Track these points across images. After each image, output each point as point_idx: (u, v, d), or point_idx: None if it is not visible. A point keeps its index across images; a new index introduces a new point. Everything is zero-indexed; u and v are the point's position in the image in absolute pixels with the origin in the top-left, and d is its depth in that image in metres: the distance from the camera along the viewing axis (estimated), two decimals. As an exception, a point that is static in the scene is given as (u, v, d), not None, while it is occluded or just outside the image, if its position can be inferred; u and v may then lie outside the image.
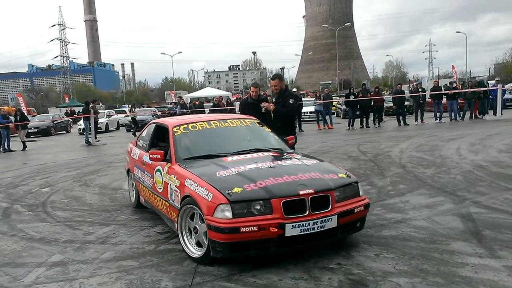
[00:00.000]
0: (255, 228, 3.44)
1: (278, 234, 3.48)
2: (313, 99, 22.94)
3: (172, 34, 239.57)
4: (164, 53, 63.20)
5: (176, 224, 4.17)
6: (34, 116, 31.77)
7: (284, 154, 4.74)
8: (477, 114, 18.25)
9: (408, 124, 17.39)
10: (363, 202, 4.00)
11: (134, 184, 5.96)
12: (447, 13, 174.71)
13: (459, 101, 18.01)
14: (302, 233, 3.56)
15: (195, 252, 3.89)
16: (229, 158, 4.39)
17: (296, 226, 3.53)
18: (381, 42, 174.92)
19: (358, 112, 17.98)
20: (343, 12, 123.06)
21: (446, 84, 20.51)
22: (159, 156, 4.61)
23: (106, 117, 26.77)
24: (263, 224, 3.46)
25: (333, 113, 22.36)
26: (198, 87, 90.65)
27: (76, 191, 7.51)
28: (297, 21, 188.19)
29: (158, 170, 4.73)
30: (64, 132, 27.80)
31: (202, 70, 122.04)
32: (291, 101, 6.22)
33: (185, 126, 4.98)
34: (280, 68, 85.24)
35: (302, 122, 18.60)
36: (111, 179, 8.56)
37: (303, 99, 21.49)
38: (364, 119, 17.89)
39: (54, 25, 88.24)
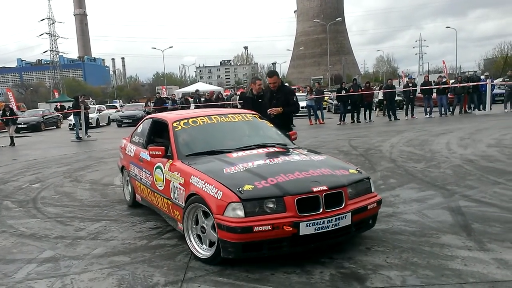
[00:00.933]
0: (269, 227, 3.31)
1: (292, 233, 3.36)
2: (304, 94, 22.96)
3: (163, 28, 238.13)
4: (155, 48, 62.99)
5: (179, 223, 4.07)
6: (24, 111, 31.46)
7: (290, 149, 4.63)
8: (467, 108, 18.41)
9: (399, 119, 17.51)
10: (375, 199, 3.90)
11: (129, 182, 5.78)
12: (437, 8, 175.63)
13: (448, 96, 18.16)
14: (317, 231, 3.43)
15: (203, 252, 3.76)
16: (234, 154, 4.25)
17: (311, 224, 3.40)
18: (372, 38, 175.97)
19: (349, 107, 18.06)
20: (334, 7, 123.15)
21: (434, 80, 20.64)
22: (159, 153, 4.42)
23: (96, 112, 26.60)
24: (277, 223, 3.33)
25: (325, 108, 22.42)
26: (189, 82, 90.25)
27: (67, 187, 7.47)
28: (288, 16, 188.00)
29: (159, 167, 4.56)
30: (54, 127, 27.58)
31: (194, 65, 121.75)
32: (295, 98, 6.25)
33: (185, 121, 4.81)
34: (272, 63, 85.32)
35: (293, 117, 18.59)
36: (102, 174, 8.51)
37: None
38: (355, 114, 17.99)
39: (43, 19, 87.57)
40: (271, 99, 6.26)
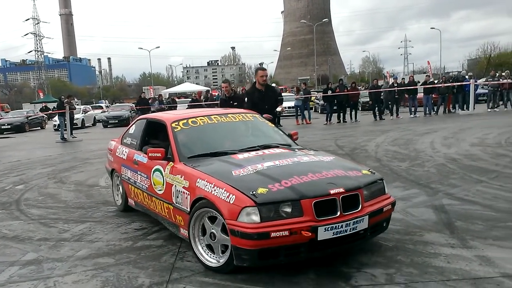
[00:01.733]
0: (287, 233, 3.13)
1: (310, 238, 3.19)
2: (292, 94, 23.07)
3: (150, 28, 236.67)
4: (142, 48, 62.41)
5: (181, 229, 3.92)
6: (8, 112, 31.00)
7: (296, 150, 4.48)
8: (451, 108, 18.66)
9: (384, 119, 17.66)
10: (390, 201, 3.78)
11: (120, 186, 5.51)
12: (422, 9, 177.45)
13: (433, 96, 18.39)
14: (335, 236, 3.28)
15: (213, 260, 3.55)
16: (240, 156, 4.05)
17: (329, 228, 3.24)
18: (358, 38, 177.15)
19: (335, 107, 18.18)
20: (321, 8, 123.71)
21: (416, 80, 20.87)
22: (159, 155, 4.15)
23: (82, 113, 26.34)
24: (294, 228, 3.16)
25: (311, 108, 22.54)
26: (176, 83, 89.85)
27: (51, 188, 7.37)
28: (275, 17, 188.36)
29: (158, 170, 4.30)
30: (39, 128, 27.23)
31: (181, 65, 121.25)
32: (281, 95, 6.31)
33: (185, 121, 4.59)
34: (259, 64, 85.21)
35: (280, 117, 18.68)
36: (87, 175, 8.43)
37: (282, 94, 21.62)
38: (341, 114, 18.11)
39: (28, 19, 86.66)
40: (262, 99, 6.24)
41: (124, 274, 3.56)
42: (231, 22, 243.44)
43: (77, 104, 34.44)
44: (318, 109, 25.49)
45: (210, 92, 30.94)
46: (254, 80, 6.85)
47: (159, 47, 61.66)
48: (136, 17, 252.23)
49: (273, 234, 3.12)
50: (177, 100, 26.50)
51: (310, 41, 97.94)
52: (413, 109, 18.15)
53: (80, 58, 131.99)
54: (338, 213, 3.33)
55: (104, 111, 29.48)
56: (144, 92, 25.98)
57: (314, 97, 26.13)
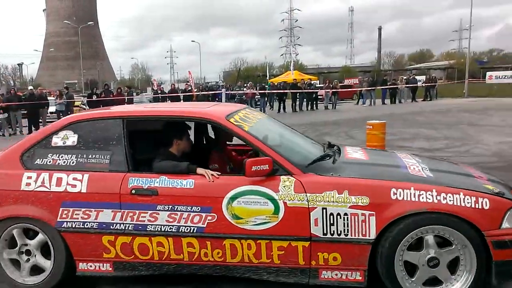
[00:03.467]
0: None
1: None
2: (54, 98, 22.09)
3: None
4: None
5: (322, 273, 2.96)
6: None
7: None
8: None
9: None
10: None
11: (49, 245, 3.28)
12: (185, 23, 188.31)
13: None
14: None
15: None
16: (350, 156, 3.50)
17: None
18: (126, 45, 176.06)
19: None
20: (87, 10, 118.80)
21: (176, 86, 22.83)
22: (267, 167, 2.93)
23: None
24: None
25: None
26: None
27: None
28: (36, 14, 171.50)
29: (254, 192, 2.97)
30: None
31: None
32: None
33: (236, 116, 3.38)
34: (18, 64, 76.48)
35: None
36: None
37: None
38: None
39: None
40: None
41: None
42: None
43: None
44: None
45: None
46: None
47: None
48: None
49: None
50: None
51: (76, 43, 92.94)
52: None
53: None
54: None
55: None
56: None
57: (80, 102, 25.49)
